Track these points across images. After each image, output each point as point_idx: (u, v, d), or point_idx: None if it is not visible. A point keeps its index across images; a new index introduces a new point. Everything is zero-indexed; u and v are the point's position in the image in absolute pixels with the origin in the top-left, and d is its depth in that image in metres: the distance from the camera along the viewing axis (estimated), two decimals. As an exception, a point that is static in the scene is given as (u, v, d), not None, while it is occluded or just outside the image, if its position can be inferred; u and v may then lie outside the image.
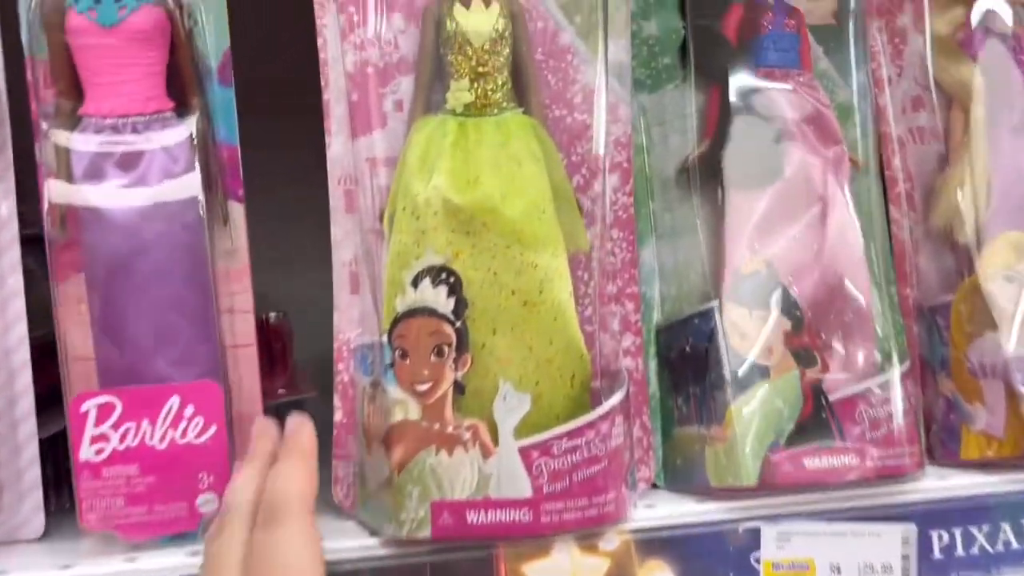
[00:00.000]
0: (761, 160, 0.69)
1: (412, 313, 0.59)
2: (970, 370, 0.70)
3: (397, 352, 0.59)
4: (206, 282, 0.61)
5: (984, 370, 0.70)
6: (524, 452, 0.58)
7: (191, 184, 0.60)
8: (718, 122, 0.70)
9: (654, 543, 0.62)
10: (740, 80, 0.71)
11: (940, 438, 0.73)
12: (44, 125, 0.60)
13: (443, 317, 0.59)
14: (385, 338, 0.59)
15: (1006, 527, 0.67)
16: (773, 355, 0.65)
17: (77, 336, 0.62)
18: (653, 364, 0.71)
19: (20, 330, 0.63)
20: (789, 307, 0.66)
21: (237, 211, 0.66)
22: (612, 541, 0.62)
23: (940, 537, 0.66)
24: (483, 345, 0.60)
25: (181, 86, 0.62)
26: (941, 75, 0.76)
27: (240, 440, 0.67)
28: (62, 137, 0.59)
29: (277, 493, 0.51)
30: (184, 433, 0.60)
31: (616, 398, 0.62)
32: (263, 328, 0.77)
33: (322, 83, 0.62)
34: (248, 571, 0.49)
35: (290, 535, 0.50)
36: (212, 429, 0.60)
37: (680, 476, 0.68)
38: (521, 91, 0.63)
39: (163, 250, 0.60)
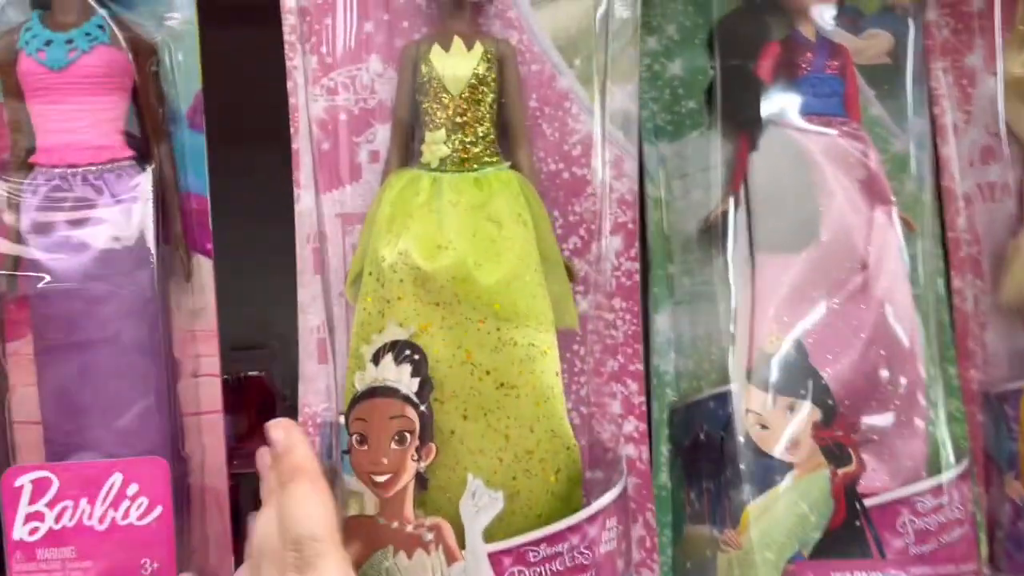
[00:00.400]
0: (794, 220, 0.60)
1: (372, 393, 0.52)
2: (1045, 472, 0.60)
3: (355, 437, 0.52)
4: (158, 346, 0.56)
5: (1061, 473, 0.59)
6: (495, 559, 0.51)
7: (142, 240, 0.55)
8: (746, 176, 0.62)
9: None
10: (773, 129, 0.62)
11: (1006, 548, 0.62)
12: (-3, 175, 0.55)
13: (406, 399, 0.52)
14: (343, 419, 0.53)
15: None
16: (799, 450, 0.56)
17: (28, 399, 0.57)
18: (665, 450, 0.63)
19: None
20: (820, 394, 0.57)
21: (205, 267, 0.61)
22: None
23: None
24: (452, 432, 0.52)
25: (145, 132, 0.58)
26: (1016, 122, 0.66)
27: (204, 517, 0.62)
28: (12, 188, 0.55)
29: (300, 528, 0.44)
30: (126, 514, 0.54)
31: (608, 496, 0.54)
32: (240, 387, 0.71)
33: (291, 131, 0.56)
34: None
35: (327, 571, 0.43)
36: (157, 510, 0.55)
37: (689, 581, 0.60)
38: (509, 143, 0.56)
39: (110, 311, 0.55)
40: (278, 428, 0.47)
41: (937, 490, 0.56)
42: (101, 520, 0.54)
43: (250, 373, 0.74)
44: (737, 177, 0.62)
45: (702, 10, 0.66)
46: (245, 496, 0.71)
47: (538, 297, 0.54)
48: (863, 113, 0.65)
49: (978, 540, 0.58)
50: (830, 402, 0.57)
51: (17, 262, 0.56)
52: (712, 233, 0.63)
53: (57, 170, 0.55)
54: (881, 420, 0.58)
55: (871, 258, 0.60)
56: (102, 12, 0.55)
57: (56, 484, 0.54)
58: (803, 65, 0.63)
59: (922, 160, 0.66)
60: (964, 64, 0.68)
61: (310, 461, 0.46)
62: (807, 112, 0.62)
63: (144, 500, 0.54)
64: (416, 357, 0.52)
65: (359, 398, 0.52)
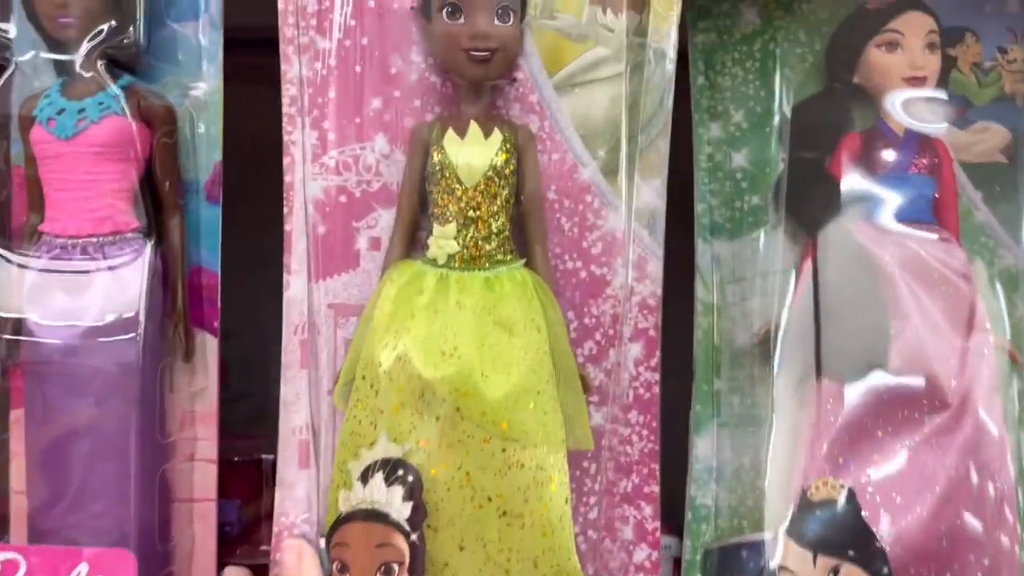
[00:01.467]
0: (861, 342, 0.51)
1: (357, 516, 0.47)
2: None
3: (335, 565, 0.47)
4: (143, 428, 0.53)
5: None
6: None
7: (135, 315, 0.52)
8: (812, 287, 0.54)
9: None
10: (845, 234, 0.54)
11: None
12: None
13: (395, 526, 0.46)
14: (323, 542, 0.48)
15: None
16: (843, 624, 0.47)
17: (20, 467, 0.55)
18: (696, 593, 0.54)
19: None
20: (873, 560, 0.47)
21: (210, 344, 0.58)
22: None
23: None
24: (445, 565, 0.47)
25: (156, 202, 0.55)
26: None
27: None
28: (21, 254, 0.54)
29: None
30: (89, 609, 0.51)
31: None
32: (260, 469, 0.68)
33: (284, 210, 0.52)
34: None
35: None
36: (122, 610, 0.51)
37: None
38: (524, 237, 0.50)
39: (95, 388, 0.52)
40: (291, 552, 0.47)
41: None
42: (62, 615, 0.51)
43: (268, 456, 0.71)
44: (799, 287, 0.54)
45: (774, 95, 0.58)
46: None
47: (549, 414, 0.47)
48: (966, 220, 0.56)
49: None
50: (885, 570, 0.47)
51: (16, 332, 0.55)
52: (767, 348, 0.55)
53: (59, 240, 0.53)
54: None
55: (955, 395, 0.51)
56: (120, 83, 0.54)
57: (23, 568, 0.51)
58: (887, 161, 0.54)
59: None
60: (1094, 166, 0.57)
61: None
62: (887, 217, 0.54)
63: (109, 595, 0.51)
64: (410, 479, 0.46)
65: (342, 520, 0.47)
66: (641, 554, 0.52)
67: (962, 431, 0.50)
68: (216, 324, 0.58)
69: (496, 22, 0.48)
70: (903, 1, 0.55)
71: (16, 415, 0.56)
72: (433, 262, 0.49)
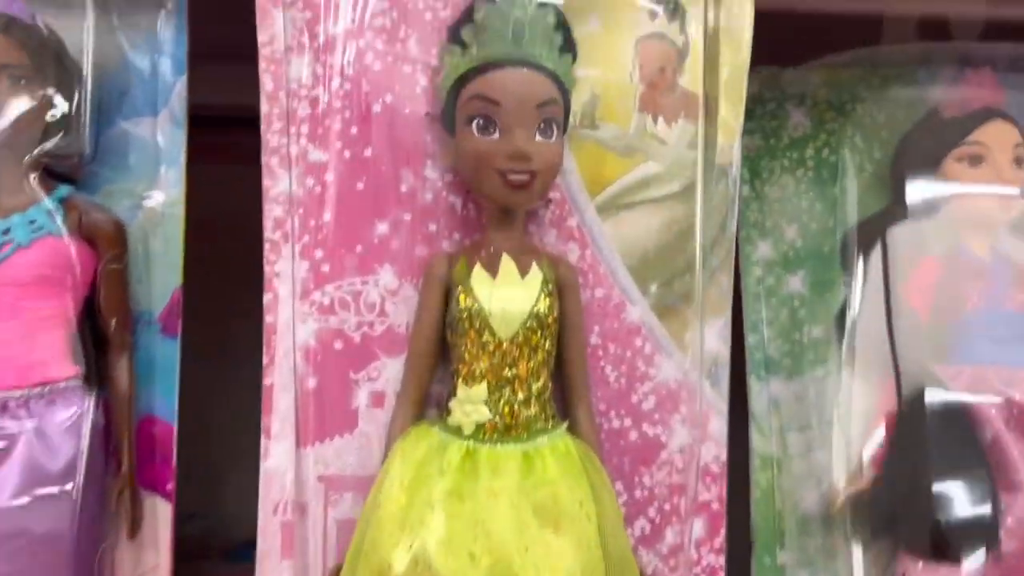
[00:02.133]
0: (963, 520, 0.43)
1: None
2: None
3: None
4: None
5: None
6: None
7: (69, 488, 0.42)
8: (893, 443, 0.45)
9: None
10: (930, 380, 0.45)
11: None
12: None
13: None
14: None
15: None
16: None
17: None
18: None
19: None
20: None
21: (162, 513, 0.47)
22: None
23: None
24: None
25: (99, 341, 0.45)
26: None
27: None
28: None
29: None
30: None
31: None
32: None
33: (264, 360, 0.41)
34: None
35: None
36: None
37: None
38: (565, 394, 0.41)
39: (18, 564, 0.41)
40: None
41: None
42: None
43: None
44: (889, 451, 0.46)
45: (833, 208, 0.51)
46: None
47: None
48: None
49: None
50: None
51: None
52: (841, 515, 0.46)
53: (-24, 395, 0.42)
54: None
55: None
56: (56, 194, 0.43)
57: None
58: (975, 295, 0.46)
59: None
60: None
61: None
62: (980, 361, 0.45)
63: None
64: None
65: None
66: None
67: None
68: (170, 487, 0.47)
69: (538, 138, 0.39)
70: (985, 110, 0.48)
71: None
72: (457, 431, 0.39)
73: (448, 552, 0.36)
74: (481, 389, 0.39)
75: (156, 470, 0.47)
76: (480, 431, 0.39)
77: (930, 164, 0.49)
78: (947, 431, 0.44)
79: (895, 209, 0.50)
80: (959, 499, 0.43)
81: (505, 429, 0.39)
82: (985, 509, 0.43)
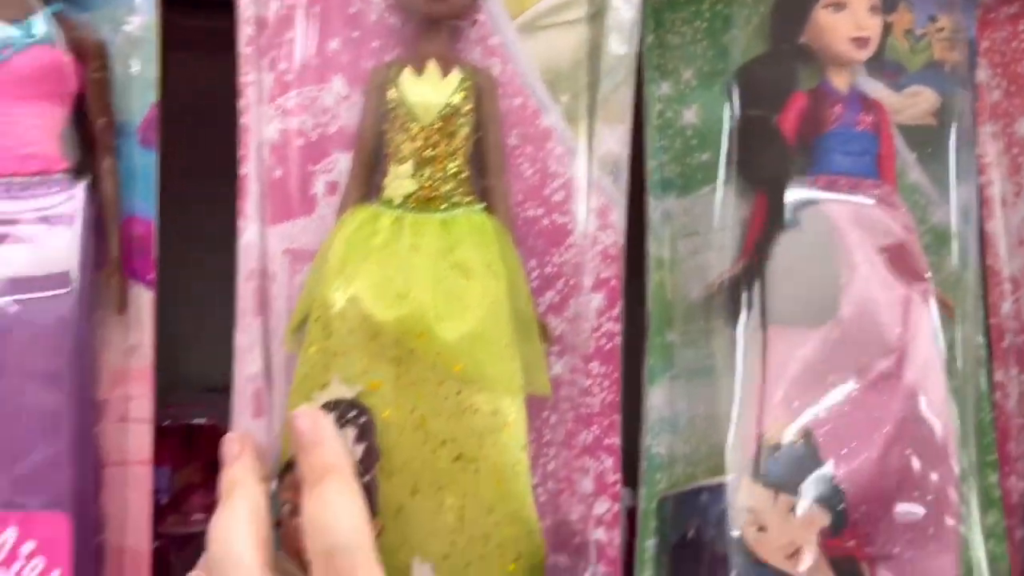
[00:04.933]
0: (811, 292, 0.53)
1: (308, 458, 0.44)
2: (1094, 606, 0.51)
3: (286, 507, 0.45)
4: (75, 385, 0.49)
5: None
6: (439, 654, 0.43)
7: (67, 264, 0.49)
8: (760, 238, 0.55)
9: None
10: (794, 188, 0.55)
11: None
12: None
13: (347, 468, 0.44)
14: (275, 485, 0.46)
15: None
16: (801, 561, 0.48)
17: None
18: (651, 544, 0.55)
19: None
20: (830, 497, 0.49)
21: (144, 298, 0.54)
22: None
23: None
24: (399, 509, 0.45)
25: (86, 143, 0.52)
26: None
27: (118, 581, 0.54)
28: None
29: (334, 537, 0.38)
30: (19, 575, 0.47)
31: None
32: (191, 435, 0.64)
33: (239, 153, 0.49)
34: None
35: None
36: (54, 574, 0.47)
37: None
38: (484, 183, 0.49)
39: (21, 341, 0.48)
40: (305, 418, 0.41)
41: (966, 619, 0.47)
42: (-11, 582, 0.47)
43: (199, 421, 0.68)
44: (750, 239, 0.55)
45: (723, 55, 0.59)
46: (179, 561, 0.64)
47: (506, 359, 0.46)
48: (900, 179, 0.58)
49: None
50: (841, 507, 0.49)
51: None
52: (718, 300, 0.55)
53: (-20, 179, 0.49)
54: (904, 532, 0.50)
55: (899, 341, 0.52)
56: (51, 7, 0.50)
57: (-61, 536, 0.47)
58: (832, 119, 0.56)
59: (966, 235, 0.58)
60: (1016, 130, 0.61)
61: (343, 458, 0.41)
62: (834, 171, 0.55)
63: (40, 561, 0.47)
64: (362, 420, 0.45)
65: (292, 463, 0.45)
66: (602, 507, 0.52)
67: (908, 374, 0.52)
68: (151, 277, 0.55)
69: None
70: (850, -35, 0.57)
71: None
72: (389, 203, 0.48)
73: (376, 293, 0.45)
74: (407, 167, 0.47)
75: (138, 262, 0.55)
76: (407, 202, 0.47)
77: (802, 13, 0.58)
78: (801, 226, 0.54)
79: (774, 52, 0.59)
80: (806, 276, 0.53)
81: (427, 200, 0.47)
82: (829, 284, 0.53)
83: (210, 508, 0.67)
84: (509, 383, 0.46)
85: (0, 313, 0.48)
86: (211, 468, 0.69)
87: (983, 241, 0.59)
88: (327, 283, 0.46)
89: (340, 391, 0.45)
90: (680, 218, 0.58)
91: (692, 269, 0.57)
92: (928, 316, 0.53)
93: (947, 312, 0.55)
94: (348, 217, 0.48)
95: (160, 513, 0.63)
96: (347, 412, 0.45)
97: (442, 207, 0.48)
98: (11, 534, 0.47)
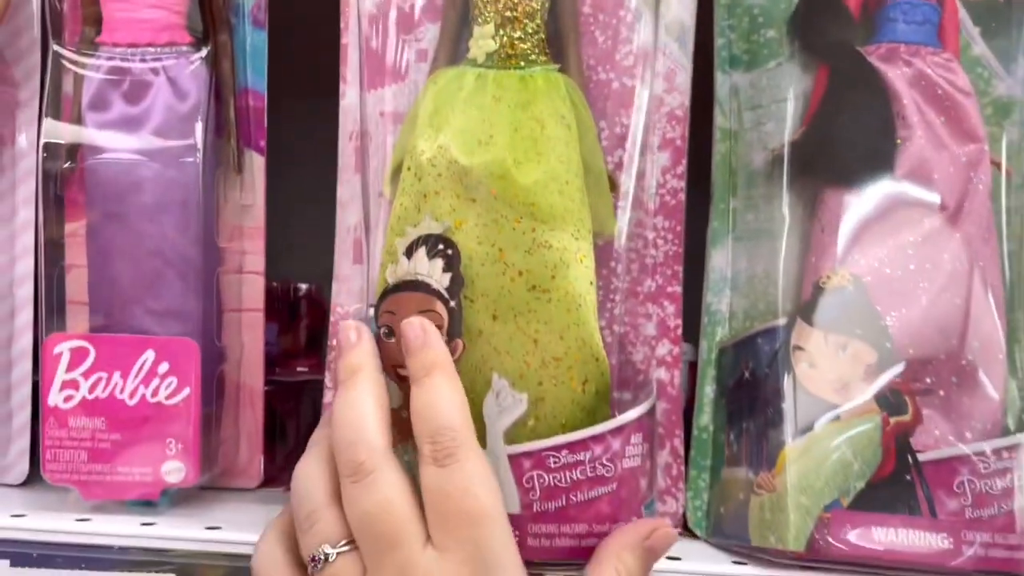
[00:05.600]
0: (867, 153, 0.56)
1: (403, 287, 0.51)
2: None
3: (383, 330, 0.51)
4: (200, 233, 0.56)
5: None
6: (515, 461, 0.49)
7: (193, 124, 0.56)
8: (820, 106, 0.58)
9: (666, 603, 0.51)
10: (854, 56, 0.58)
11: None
12: (65, 52, 0.57)
13: (436, 294, 0.50)
14: (372, 312, 0.52)
15: None
16: (847, 392, 0.52)
17: (81, 279, 0.58)
18: (710, 390, 0.59)
19: (27, 264, 0.61)
20: (878, 336, 0.52)
21: (257, 163, 0.61)
22: (614, 593, 0.50)
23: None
24: (480, 332, 0.51)
25: (205, 20, 0.58)
26: None
27: (237, 413, 0.62)
28: (77, 64, 0.57)
29: (441, 419, 0.45)
30: (156, 392, 0.55)
31: (636, 411, 0.51)
32: (289, 297, 0.72)
33: (341, 24, 0.55)
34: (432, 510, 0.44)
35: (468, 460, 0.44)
36: (185, 391, 0.55)
37: (722, 528, 0.56)
38: (559, 45, 0.54)
39: (156, 191, 0.55)
40: (413, 325, 0.48)
41: (1006, 450, 0.51)
42: (132, 395, 0.55)
43: (302, 285, 0.75)
44: (812, 108, 0.58)
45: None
46: (281, 409, 0.71)
47: (577, 202, 0.51)
48: (964, 53, 0.59)
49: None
50: (888, 345, 0.52)
51: (74, 143, 0.57)
52: (779, 166, 0.59)
53: (118, 48, 0.56)
54: (950, 373, 0.53)
55: (952, 199, 0.55)
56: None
57: (92, 355, 0.55)
58: (895, -9, 0.58)
59: (1026, 106, 0.60)
60: (1083, 5, 0.61)
61: (446, 357, 0.47)
62: (895, 40, 0.58)
63: (173, 380, 0.55)
64: (449, 252, 0.50)
65: (389, 291, 0.51)
66: (663, 349, 0.57)
67: (960, 231, 0.55)
68: (263, 144, 0.61)
69: None
70: None
71: (72, 228, 0.59)
72: (473, 62, 0.53)
73: (462, 139, 0.50)
74: (489, 28, 0.52)
75: (252, 130, 0.62)
76: (489, 60, 0.52)
77: None
78: (860, 91, 0.57)
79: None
80: (864, 138, 0.56)
81: (507, 58, 0.52)
82: (886, 144, 0.56)
83: (312, 367, 0.75)
84: (579, 224, 0.51)
85: (139, 167, 0.55)
86: (311, 333, 0.77)
87: (1043, 112, 0.61)
88: (419, 134, 0.52)
89: (430, 227, 0.51)
90: (746, 91, 0.61)
91: (755, 139, 0.61)
92: (982, 176, 0.56)
93: (1006, 175, 0.58)
94: (437, 76, 0.53)
95: (267, 362, 0.71)
96: (436, 245, 0.50)
97: (521, 65, 0.52)
98: (149, 356, 0.55)
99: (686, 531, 0.58)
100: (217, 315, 0.60)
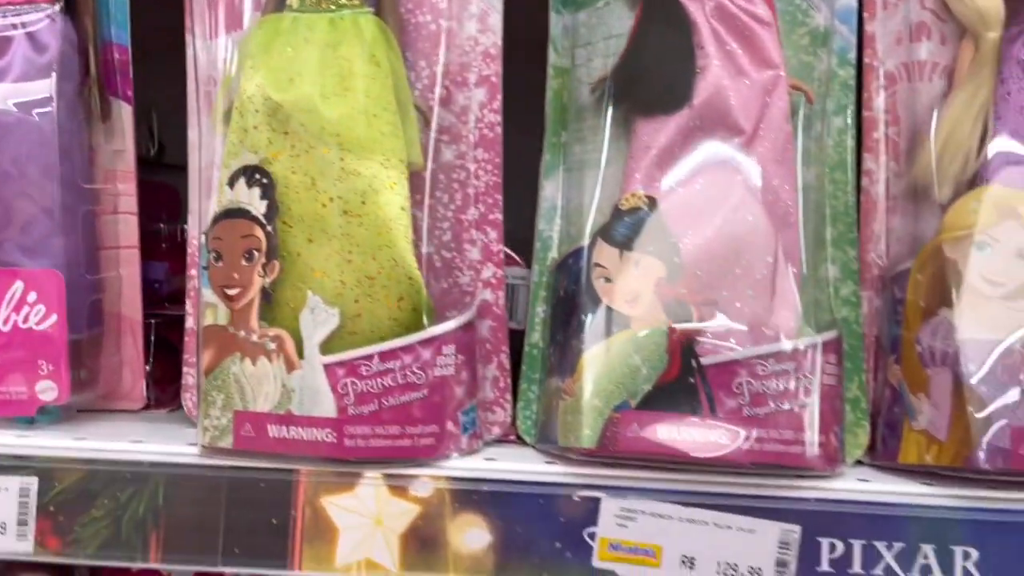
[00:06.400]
0: (668, 83, 0.59)
1: (227, 214, 0.56)
2: (919, 354, 0.57)
3: (212, 254, 0.57)
4: (66, 175, 0.62)
5: (933, 356, 0.56)
6: (329, 369, 0.54)
7: (53, 74, 0.61)
8: (631, 41, 0.62)
9: (473, 497, 0.56)
10: (666, -6, 0.61)
11: (882, 435, 0.60)
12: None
13: (255, 220, 0.56)
14: (203, 239, 0.57)
15: (928, 550, 0.54)
16: (638, 304, 0.56)
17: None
18: (540, 310, 0.64)
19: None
20: (666, 252, 0.56)
21: (125, 112, 0.66)
22: (425, 487, 0.56)
23: (832, 547, 0.54)
24: (298, 254, 0.56)
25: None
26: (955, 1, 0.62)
27: (119, 341, 0.68)
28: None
29: None
30: (26, 318, 0.61)
31: (447, 325, 0.56)
32: (177, 239, 0.78)
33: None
34: None
35: None
36: (53, 318, 0.61)
37: (545, 434, 0.61)
38: (378, -2, 0.58)
39: (18, 138, 0.61)
40: None
41: (782, 355, 0.55)
42: (5, 322, 0.61)
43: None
44: (628, 43, 0.62)
45: None
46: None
47: (387, 134, 0.56)
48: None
49: (837, 411, 0.56)
50: (676, 260, 0.56)
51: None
52: (601, 100, 0.63)
53: (-18, 6, 0.62)
54: (745, 286, 0.57)
55: (749, 124, 0.59)
56: None
57: (-33, 287, 0.61)
58: (704, -70, 0.61)
59: (846, 36, 0.63)
60: (898, -63, 0.64)
61: None
62: (703, -23, 0.61)
63: (42, 308, 0.61)
64: (264, 181, 0.56)
65: (216, 219, 0.56)
66: (488, 271, 0.62)
67: (755, 155, 0.58)
68: (130, 93, 0.67)
69: None
70: None
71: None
72: (290, 8, 0.58)
73: (274, 77, 0.56)
74: (304, -25, 0.57)
75: (118, 81, 0.67)
76: (303, 5, 0.57)
77: None
78: (667, 27, 0.60)
79: None
80: (668, 70, 0.60)
81: (319, 2, 0.57)
82: (686, 73, 0.59)
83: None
84: (389, 153, 0.56)
85: (6, 118, 0.61)
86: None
87: (863, 41, 0.64)
88: (243, 76, 0.57)
89: (248, 159, 0.56)
90: (577, 31, 0.65)
91: (584, 75, 0.65)
92: (778, 102, 0.59)
93: (807, 99, 0.61)
94: (261, 22, 0.58)
95: (159, 299, 0.76)
96: (252, 175, 0.56)
97: (331, 8, 0.57)
98: (18, 287, 0.61)
99: (518, 439, 0.63)
100: (93, 250, 0.66)
